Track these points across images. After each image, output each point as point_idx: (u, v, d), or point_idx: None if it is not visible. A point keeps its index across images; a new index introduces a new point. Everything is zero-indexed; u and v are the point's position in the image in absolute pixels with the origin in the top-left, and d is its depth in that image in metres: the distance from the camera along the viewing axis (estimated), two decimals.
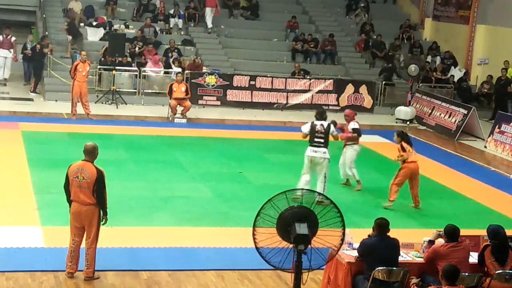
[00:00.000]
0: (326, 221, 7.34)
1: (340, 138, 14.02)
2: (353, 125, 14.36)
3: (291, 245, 7.29)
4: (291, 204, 7.34)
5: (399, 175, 13.53)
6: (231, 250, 10.98)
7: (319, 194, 7.79)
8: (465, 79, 25.57)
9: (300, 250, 7.20)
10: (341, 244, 7.58)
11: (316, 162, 13.25)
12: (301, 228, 7.18)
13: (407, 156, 13.38)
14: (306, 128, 13.32)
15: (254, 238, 7.36)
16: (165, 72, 23.57)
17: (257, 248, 7.38)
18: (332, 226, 7.38)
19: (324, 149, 13.19)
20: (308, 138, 13.29)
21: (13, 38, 23.79)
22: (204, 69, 23.83)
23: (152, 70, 23.31)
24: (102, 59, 23.01)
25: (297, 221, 7.23)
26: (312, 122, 13.34)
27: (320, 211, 7.32)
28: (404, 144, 13.44)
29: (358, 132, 14.31)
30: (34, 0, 25.88)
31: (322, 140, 13.17)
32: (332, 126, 13.39)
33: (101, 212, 9.38)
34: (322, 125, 13.25)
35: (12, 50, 23.71)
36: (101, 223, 9.42)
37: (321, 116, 13.43)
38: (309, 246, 7.27)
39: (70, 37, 24.20)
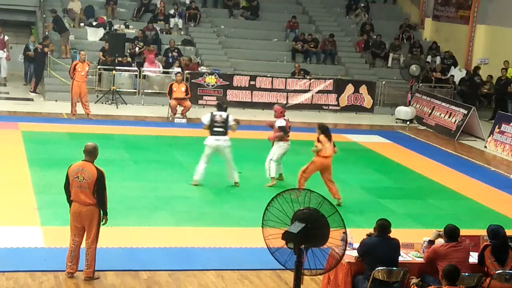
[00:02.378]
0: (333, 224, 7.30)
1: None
2: (279, 122, 14.40)
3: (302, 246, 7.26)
4: (294, 203, 7.35)
5: (308, 168, 13.40)
6: (231, 250, 10.98)
7: (323, 198, 7.70)
8: (467, 78, 25.51)
9: (289, 248, 7.18)
10: (343, 253, 7.53)
11: (220, 150, 14.00)
12: (293, 227, 7.15)
13: (320, 147, 13.24)
14: (206, 119, 14.02)
15: (264, 237, 7.36)
16: (164, 72, 23.59)
17: (268, 247, 7.37)
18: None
19: (225, 137, 13.98)
20: (208, 128, 14.03)
21: (6, 38, 23.77)
22: (204, 69, 23.83)
23: (150, 70, 23.30)
24: (102, 59, 22.99)
25: (298, 221, 7.21)
26: (212, 113, 14.07)
27: (329, 216, 7.27)
28: (321, 137, 13.27)
29: (283, 130, 14.35)
30: (34, 0, 25.88)
31: (221, 129, 13.95)
32: (230, 118, 13.98)
33: (101, 212, 9.39)
34: (221, 115, 13.99)
35: (5, 50, 23.67)
36: (101, 223, 9.42)
37: (220, 107, 14.25)
38: (302, 246, 7.24)
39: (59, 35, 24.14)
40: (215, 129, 13.94)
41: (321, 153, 13.21)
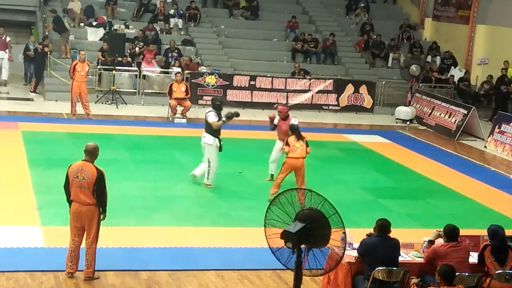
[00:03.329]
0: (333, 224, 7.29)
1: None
2: (294, 120, 14.05)
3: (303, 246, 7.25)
4: (295, 203, 7.36)
5: (281, 170, 13.29)
6: (231, 250, 10.98)
7: (324, 198, 7.68)
8: (466, 79, 25.51)
9: (288, 247, 7.18)
10: (343, 253, 7.52)
11: (202, 146, 13.94)
12: (292, 226, 7.15)
13: (286, 150, 13.15)
14: None
15: (266, 236, 7.36)
16: (164, 72, 23.59)
17: (270, 247, 7.37)
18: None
19: (204, 134, 13.90)
20: None
21: (8, 38, 23.74)
22: (204, 69, 23.84)
23: (148, 70, 23.30)
24: (102, 59, 22.99)
25: (299, 221, 7.20)
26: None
27: (329, 217, 7.26)
28: (289, 139, 13.15)
29: (292, 128, 13.51)
30: (34, 0, 25.89)
31: (205, 126, 13.91)
32: (209, 114, 13.75)
33: (101, 210, 9.37)
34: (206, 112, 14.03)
35: (7, 51, 23.66)
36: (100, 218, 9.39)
37: (212, 104, 14.21)
38: (303, 246, 7.23)
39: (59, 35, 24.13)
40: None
41: (289, 154, 13.11)
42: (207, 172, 13.95)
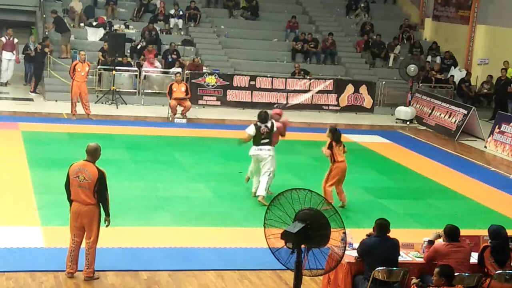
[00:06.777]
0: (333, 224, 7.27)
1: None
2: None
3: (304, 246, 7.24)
4: (295, 203, 7.35)
5: (331, 177, 12.88)
6: (231, 250, 10.98)
7: (323, 198, 7.69)
8: (467, 79, 25.49)
9: (288, 247, 7.18)
10: (343, 253, 7.52)
11: (261, 159, 13.33)
12: (292, 227, 7.15)
13: (328, 154, 12.79)
14: (251, 130, 13.35)
15: (266, 237, 7.36)
16: (164, 72, 23.59)
17: (269, 247, 7.37)
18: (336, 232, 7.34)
19: (268, 147, 13.30)
20: (253, 140, 13.36)
21: (16, 40, 23.77)
22: (204, 69, 23.84)
23: (149, 70, 23.30)
24: (102, 59, 22.99)
25: (299, 221, 7.20)
26: (256, 124, 13.34)
27: (329, 217, 7.25)
28: (334, 143, 12.83)
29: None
30: (34, 0, 25.90)
31: (267, 140, 13.28)
32: (274, 124, 13.28)
33: (103, 213, 9.36)
34: (266, 126, 13.31)
35: (15, 52, 23.69)
36: (104, 224, 9.38)
37: (264, 119, 13.32)
38: (303, 246, 7.23)
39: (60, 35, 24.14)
40: (261, 141, 13.33)
41: (337, 158, 12.79)
42: (267, 182, 13.17)
